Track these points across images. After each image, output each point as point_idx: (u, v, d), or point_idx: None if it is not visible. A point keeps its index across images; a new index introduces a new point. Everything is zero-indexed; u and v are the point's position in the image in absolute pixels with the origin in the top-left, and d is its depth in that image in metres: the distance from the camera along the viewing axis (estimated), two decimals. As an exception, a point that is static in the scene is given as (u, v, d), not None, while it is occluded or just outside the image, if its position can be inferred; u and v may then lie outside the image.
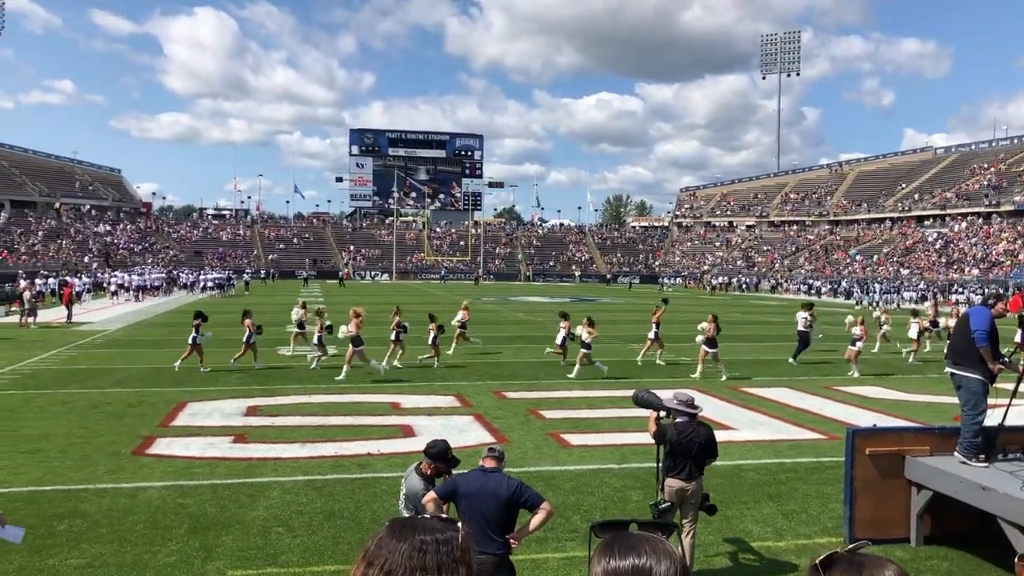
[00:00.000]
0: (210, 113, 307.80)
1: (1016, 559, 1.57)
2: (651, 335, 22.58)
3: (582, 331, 20.00)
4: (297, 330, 24.05)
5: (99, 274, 64.26)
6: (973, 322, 8.31)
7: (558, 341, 21.84)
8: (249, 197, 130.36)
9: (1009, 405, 8.37)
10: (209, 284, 60.82)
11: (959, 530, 8.38)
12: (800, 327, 23.02)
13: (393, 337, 21.06)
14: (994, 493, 7.40)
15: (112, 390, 17.07)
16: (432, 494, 5.74)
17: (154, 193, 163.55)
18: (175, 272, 69.09)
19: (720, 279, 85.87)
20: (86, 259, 79.30)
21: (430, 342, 21.28)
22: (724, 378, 19.46)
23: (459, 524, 1.57)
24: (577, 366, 19.76)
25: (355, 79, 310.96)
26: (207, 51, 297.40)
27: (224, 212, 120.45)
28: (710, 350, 19.63)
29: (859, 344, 21.10)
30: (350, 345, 18.82)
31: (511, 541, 5.60)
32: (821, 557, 1.48)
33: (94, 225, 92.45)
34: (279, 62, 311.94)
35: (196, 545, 8.03)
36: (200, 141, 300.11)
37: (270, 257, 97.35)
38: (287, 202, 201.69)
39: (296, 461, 11.43)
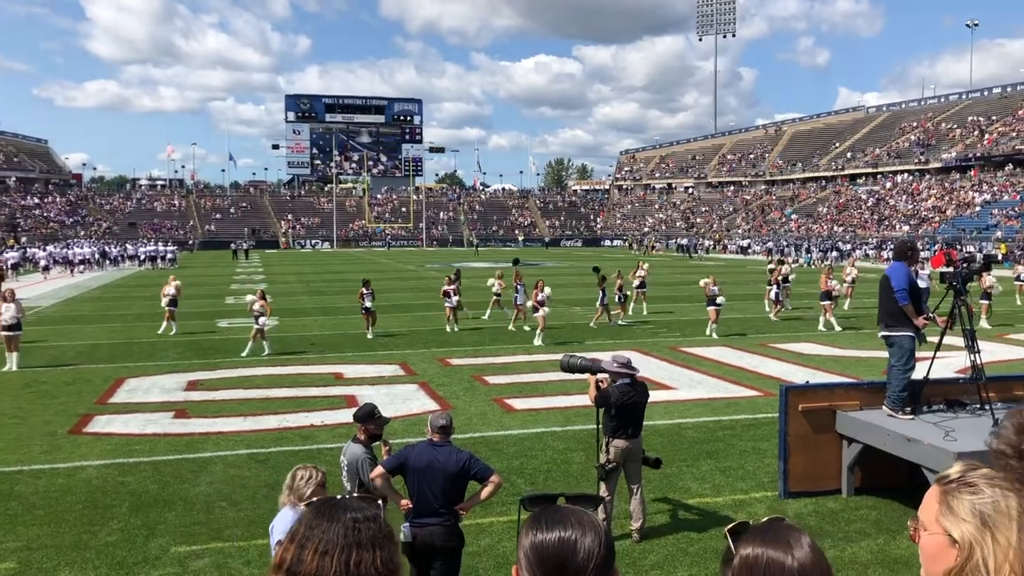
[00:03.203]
0: (139, 80, 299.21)
1: (910, 521, 1.65)
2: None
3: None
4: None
5: (11, 249, 61.77)
6: (893, 282, 8.56)
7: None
8: (183, 166, 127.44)
9: (933, 359, 8.68)
10: (168, 256, 59.41)
11: (889, 482, 8.71)
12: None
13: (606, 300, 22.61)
14: (919, 444, 7.70)
15: (46, 368, 16.67)
16: (380, 468, 5.75)
17: (84, 164, 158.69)
18: (110, 246, 67.03)
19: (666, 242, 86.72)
20: (14, 234, 76.70)
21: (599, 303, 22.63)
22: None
23: (379, 502, 1.60)
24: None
25: (290, 43, 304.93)
26: (133, 14, 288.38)
27: (158, 182, 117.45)
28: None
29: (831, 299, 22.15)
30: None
31: (460, 512, 5.69)
32: (731, 525, 1.55)
33: (21, 198, 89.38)
34: (210, 26, 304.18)
35: (138, 523, 7.96)
36: (130, 109, 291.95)
37: (207, 228, 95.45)
38: (223, 171, 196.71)
39: (239, 435, 11.35)
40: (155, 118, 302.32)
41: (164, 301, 21.44)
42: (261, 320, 18.25)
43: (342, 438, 10.12)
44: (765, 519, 1.54)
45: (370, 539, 1.50)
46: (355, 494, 6.15)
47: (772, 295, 24.20)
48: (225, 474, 9.55)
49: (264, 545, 7.41)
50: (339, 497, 1.59)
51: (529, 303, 20.55)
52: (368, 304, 20.71)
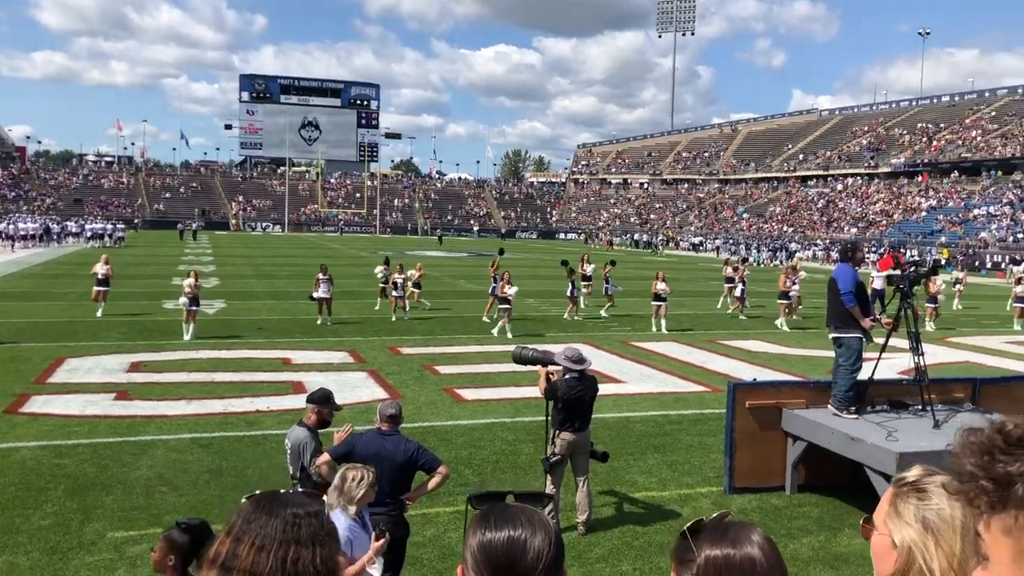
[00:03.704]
0: (89, 53, 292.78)
1: (862, 520, 1.64)
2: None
3: None
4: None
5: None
6: (840, 284, 8.70)
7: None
8: (133, 143, 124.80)
9: (879, 360, 8.83)
10: (118, 234, 57.92)
11: (832, 480, 8.84)
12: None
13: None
14: (862, 444, 7.82)
15: (-18, 346, 16.18)
16: (326, 455, 5.67)
17: (28, 136, 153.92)
18: (53, 222, 65.31)
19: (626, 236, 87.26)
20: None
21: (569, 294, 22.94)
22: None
23: (324, 499, 1.55)
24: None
25: (245, 21, 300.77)
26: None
27: (106, 158, 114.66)
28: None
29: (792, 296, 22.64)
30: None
31: (406, 501, 5.64)
32: (689, 524, 1.52)
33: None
34: (163, 0, 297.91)
35: (74, 507, 7.75)
36: (78, 82, 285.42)
37: (155, 207, 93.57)
38: (174, 149, 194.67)
39: (182, 418, 11.13)
40: (105, 92, 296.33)
41: (96, 282, 21.02)
42: (182, 301, 18.08)
43: (288, 424, 9.92)
44: (715, 515, 1.53)
45: (310, 536, 1.44)
46: (297, 476, 6.04)
47: (738, 292, 24.45)
48: (167, 458, 9.36)
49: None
50: (281, 491, 1.53)
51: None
52: (316, 294, 20.48)
